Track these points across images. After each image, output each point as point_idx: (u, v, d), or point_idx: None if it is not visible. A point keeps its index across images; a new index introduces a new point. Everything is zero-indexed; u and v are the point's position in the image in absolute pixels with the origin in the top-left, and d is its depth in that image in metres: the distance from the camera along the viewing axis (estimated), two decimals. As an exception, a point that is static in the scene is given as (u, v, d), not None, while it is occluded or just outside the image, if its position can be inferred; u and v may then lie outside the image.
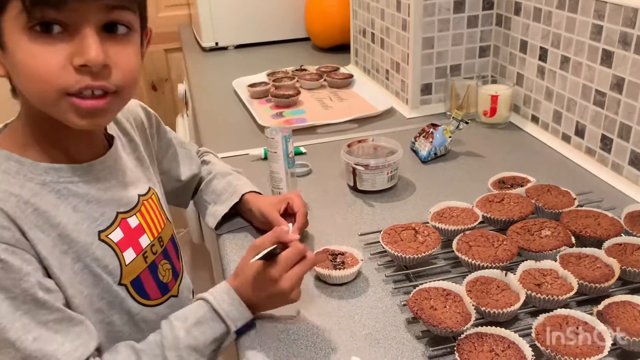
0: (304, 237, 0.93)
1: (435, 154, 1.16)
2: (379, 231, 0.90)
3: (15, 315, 0.62)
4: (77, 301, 0.69)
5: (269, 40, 2.08)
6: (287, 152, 1.01)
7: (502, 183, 1.01)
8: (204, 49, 2.03)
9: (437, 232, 0.84)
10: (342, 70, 1.71)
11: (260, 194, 0.98)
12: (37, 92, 0.64)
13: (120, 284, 0.74)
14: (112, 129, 0.82)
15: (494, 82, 1.36)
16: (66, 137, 0.71)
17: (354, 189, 1.06)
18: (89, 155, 0.74)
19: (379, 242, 0.86)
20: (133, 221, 0.77)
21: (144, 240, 0.78)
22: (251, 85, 1.58)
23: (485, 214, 0.88)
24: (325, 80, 1.63)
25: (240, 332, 0.73)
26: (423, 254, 0.80)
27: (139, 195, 0.80)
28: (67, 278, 0.68)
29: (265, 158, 1.20)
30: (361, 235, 0.91)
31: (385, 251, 0.84)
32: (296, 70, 1.72)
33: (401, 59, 1.40)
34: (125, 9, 0.65)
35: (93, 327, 0.69)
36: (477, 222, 0.86)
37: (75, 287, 0.69)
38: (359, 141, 1.11)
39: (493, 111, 1.29)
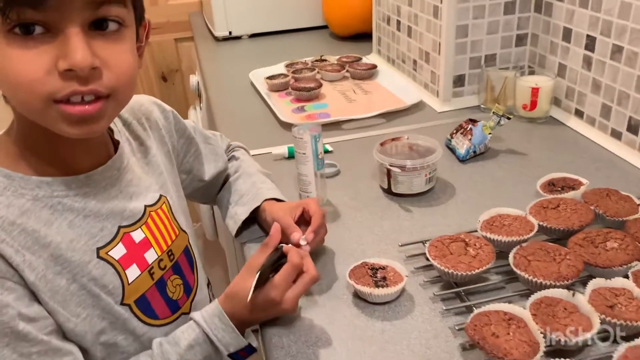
0: (327, 248, 0.85)
1: (475, 152, 1.07)
2: (422, 241, 0.81)
3: None
4: (72, 325, 0.64)
5: (284, 28, 1.98)
6: (317, 153, 0.92)
7: (551, 185, 0.93)
8: (216, 39, 1.94)
9: (490, 245, 0.76)
10: (365, 60, 1.62)
11: (283, 200, 0.89)
12: (22, 101, 0.58)
13: (122, 304, 0.68)
14: (120, 132, 0.75)
15: (532, 73, 1.27)
16: (61, 146, 0.64)
17: (388, 191, 0.97)
18: (89, 164, 0.68)
19: (422, 254, 0.78)
20: (137, 235, 0.71)
21: (151, 255, 0.72)
22: (269, 78, 1.49)
23: (541, 223, 0.79)
24: (347, 71, 1.54)
25: (239, 358, 0.69)
26: (477, 271, 0.71)
27: (146, 206, 0.73)
28: (60, 301, 0.63)
29: (290, 157, 1.12)
30: (402, 245, 0.82)
31: (430, 265, 0.76)
32: (316, 60, 1.63)
33: (431, 49, 1.31)
34: (114, 3, 0.57)
35: (82, 357, 0.64)
36: (533, 233, 0.77)
37: (70, 309, 0.64)
38: (393, 139, 1.02)
39: (533, 105, 1.19)
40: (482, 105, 1.29)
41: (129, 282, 0.68)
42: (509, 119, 1.07)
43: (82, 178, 0.66)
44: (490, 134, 1.08)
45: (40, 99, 0.56)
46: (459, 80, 1.30)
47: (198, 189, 0.94)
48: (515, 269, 0.71)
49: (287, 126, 1.25)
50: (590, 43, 1.10)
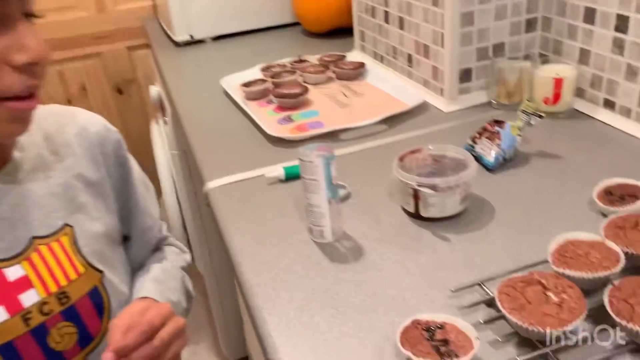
0: (359, 297, 0.68)
1: (504, 158, 0.92)
2: (479, 283, 0.65)
3: None
4: None
5: (251, 28, 1.79)
6: (330, 179, 0.75)
7: (609, 194, 0.78)
8: (177, 44, 1.73)
9: (575, 287, 0.59)
10: (349, 58, 1.45)
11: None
12: None
13: None
14: (33, 145, 0.67)
15: (545, 62, 1.13)
16: None
17: (415, 215, 0.81)
18: None
19: (484, 301, 0.62)
20: (14, 272, 0.63)
21: (29, 297, 0.63)
22: (245, 85, 1.30)
23: (626, 250, 0.64)
24: (332, 71, 1.36)
25: None
26: (571, 325, 0.55)
27: (34, 238, 0.65)
28: None
29: (287, 179, 0.94)
30: (455, 291, 0.66)
31: (502, 316, 0.59)
32: (295, 62, 1.45)
33: (432, 41, 1.15)
34: None
35: None
36: (621, 264, 0.62)
37: None
38: (412, 151, 0.86)
39: (556, 98, 1.05)
40: (493, 101, 1.14)
41: None
42: (540, 117, 0.92)
43: None
44: (519, 135, 0.92)
45: None
46: (465, 75, 1.14)
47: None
48: (616, 318, 0.56)
49: (276, 140, 1.07)
50: (622, 24, 0.96)
